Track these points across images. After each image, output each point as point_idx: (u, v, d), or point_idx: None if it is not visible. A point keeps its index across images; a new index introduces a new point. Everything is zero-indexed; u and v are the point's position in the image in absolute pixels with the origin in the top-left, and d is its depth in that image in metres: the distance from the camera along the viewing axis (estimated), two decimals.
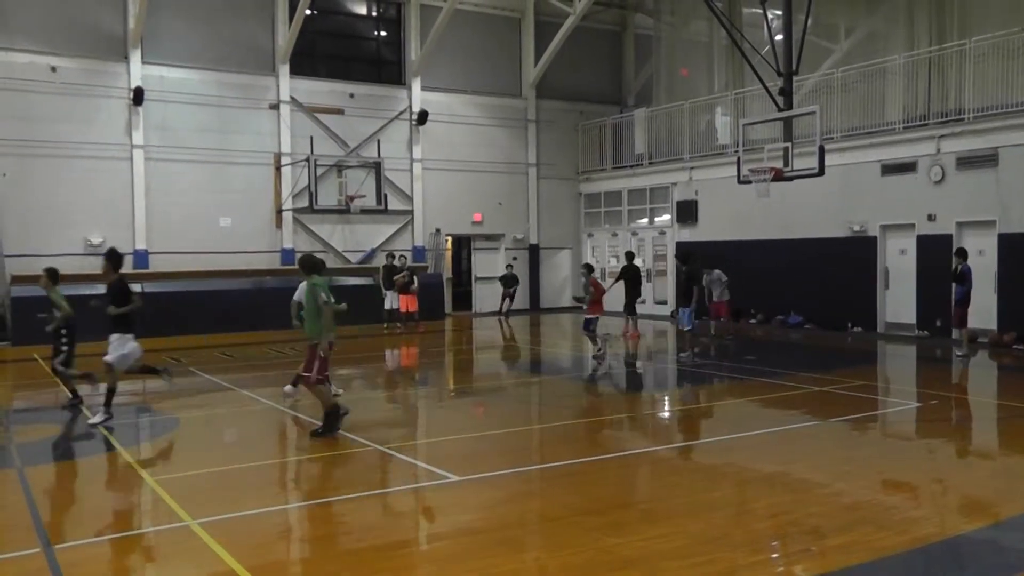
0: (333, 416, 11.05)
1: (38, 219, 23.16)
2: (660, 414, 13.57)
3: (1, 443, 11.30)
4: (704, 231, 26.83)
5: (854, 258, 22.38)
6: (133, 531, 7.88)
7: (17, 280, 22.28)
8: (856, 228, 22.39)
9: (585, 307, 18.20)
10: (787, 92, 18.90)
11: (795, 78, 19.26)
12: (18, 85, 22.95)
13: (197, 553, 6.93)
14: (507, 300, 28.90)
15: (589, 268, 19.37)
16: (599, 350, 17.95)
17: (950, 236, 20.21)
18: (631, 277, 23.48)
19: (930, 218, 20.79)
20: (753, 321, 24.83)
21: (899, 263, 21.72)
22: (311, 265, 12.19)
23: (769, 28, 20.82)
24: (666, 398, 15.03)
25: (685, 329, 18.52)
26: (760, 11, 20.59)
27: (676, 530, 7.28)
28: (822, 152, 18.13)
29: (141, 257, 24.51)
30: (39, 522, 7.78)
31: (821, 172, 18.19)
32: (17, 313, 21.79)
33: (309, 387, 11.53)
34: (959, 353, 17.39)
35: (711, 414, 13.18)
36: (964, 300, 17.31)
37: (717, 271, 21.99)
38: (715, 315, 22.64)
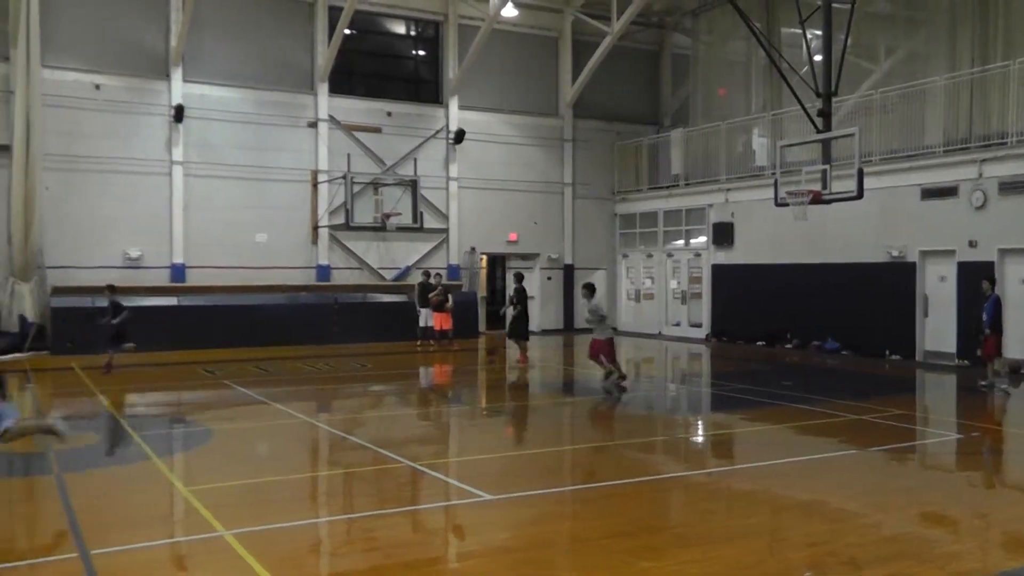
0: None
1: (79, 232, 23.51)
2: (694, 438, 13.44)
3: (40, 450, 11.40)
4: (740, 254, 26.66)
5: (892, 284, 22.06)
6: (168, 539, 7.93)
7: (57, 291, 22.61)
8: (895, 253, 22.11)
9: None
10: (826, 113, 18.73)
11: (834, 99, 19.09)
12: (63, 102, 23.36)
13: (230, 563, 6.98)
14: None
15: None
16: None
17: (992, 263, 19.87)
18: (520, 301, 22.39)
19: (971, 244, 20.46)
20: (789, 346, 24.55)
21: (939, 290, 21.38)
22: None
23: (808, 48, 20.63)
24: (700, 422, 14.88)
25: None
26: (799, 31, 20.40)
27: (710, 556, 7.18)
28: (861, 175, 17.89)
29: (178, 271, 24.77)
30: (76, 528, 7.85)
31: (860, 195, 17.94)
32: (57, 323, 22.16)
33: None
34: (1001, 386, 16.85)
35: (747, 439, 12.99)
36: (997, 329, 16.90)
37: (595, 301, 17.86)
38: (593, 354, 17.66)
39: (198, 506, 8.52)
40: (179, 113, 24.52)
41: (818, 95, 18.93)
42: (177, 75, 24.81)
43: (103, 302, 19.57)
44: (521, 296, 22.35)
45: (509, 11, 27.83)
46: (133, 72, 24.51)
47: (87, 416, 14.13)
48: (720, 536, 7.75)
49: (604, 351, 17.09)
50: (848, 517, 8.33)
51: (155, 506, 9.09)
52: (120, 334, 18.67)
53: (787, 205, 19.20)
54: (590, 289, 17.97)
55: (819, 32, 20.04)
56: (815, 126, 18.90)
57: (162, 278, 24.59)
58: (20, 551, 7.72)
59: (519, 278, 22.88)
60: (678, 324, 29.10)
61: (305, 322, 24.74)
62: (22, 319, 22.31)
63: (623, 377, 17.13)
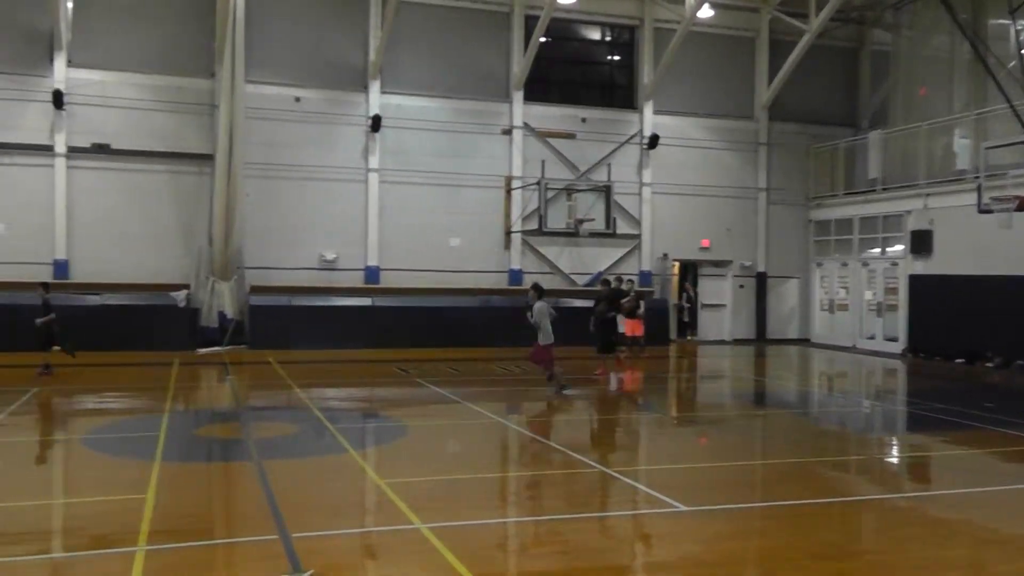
0: None
1: (277, 236, 25.06)
2: (890, 459, 13.02)
3: (240, 437, 12.31)
4: (939, 264, 25.33)
5: None
6: (365, 528, 8.41)
7: (255, 290, 24.17)
8: None
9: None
10: None
11: None
12: (265, 114, 24.94)
13: (426, 555, 7.31)
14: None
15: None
16: None
17: None
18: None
19: None
20: (990, 365, 23.25)
21: None
22: None
23: (1017, 39, 19.54)
24: (896, 442, 14.44)
25: None
26: (1008, 21, 19.38)
27: None
28: None
29: (372, 273, 25.96)
30: (277, 511, 8.39)
31: None
32: (255, 319, 23.73)
33: None
34: None
35: (945, 464, 12.42)
36: None
37: (543, 303, 17.24)
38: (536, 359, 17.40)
39: (394, 498, 8.93)
40: (376, 123, 25.70)
41: None
42: (375, 87, 25.99)
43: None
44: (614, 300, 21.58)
45: (705, 12, 27.46)
46: (332, 85, 25.89)
47: (285, 407, 15.06)
48: (917, 566, 7.53)
49: (546, 358, 16.89)
50: None
51: (352, 496, 9.62)
52: (48, 335, 18.15)
53: (991, 212, 18.42)
54: (538, 291, 17.50)
55: None
56: (1023, 125, 18.02)
57: (357, 280, 25.82)
58: (224, 530, 8.39)
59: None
60: (872, 337, 27.99)
61: (497, 325, 25.31)
62: (221, 315, 24.01)
63: (563, 386, 16.84)
